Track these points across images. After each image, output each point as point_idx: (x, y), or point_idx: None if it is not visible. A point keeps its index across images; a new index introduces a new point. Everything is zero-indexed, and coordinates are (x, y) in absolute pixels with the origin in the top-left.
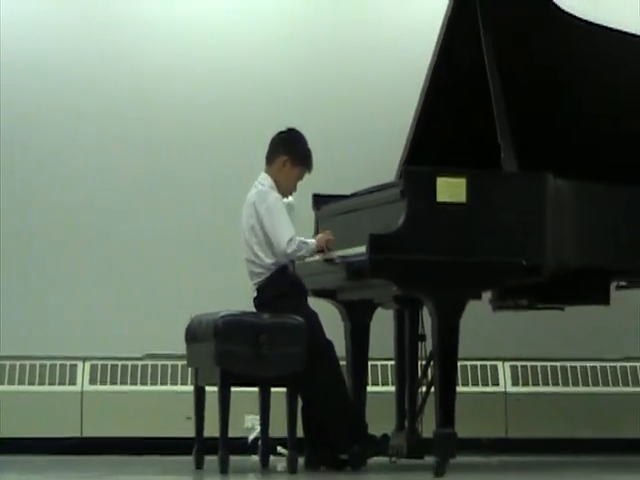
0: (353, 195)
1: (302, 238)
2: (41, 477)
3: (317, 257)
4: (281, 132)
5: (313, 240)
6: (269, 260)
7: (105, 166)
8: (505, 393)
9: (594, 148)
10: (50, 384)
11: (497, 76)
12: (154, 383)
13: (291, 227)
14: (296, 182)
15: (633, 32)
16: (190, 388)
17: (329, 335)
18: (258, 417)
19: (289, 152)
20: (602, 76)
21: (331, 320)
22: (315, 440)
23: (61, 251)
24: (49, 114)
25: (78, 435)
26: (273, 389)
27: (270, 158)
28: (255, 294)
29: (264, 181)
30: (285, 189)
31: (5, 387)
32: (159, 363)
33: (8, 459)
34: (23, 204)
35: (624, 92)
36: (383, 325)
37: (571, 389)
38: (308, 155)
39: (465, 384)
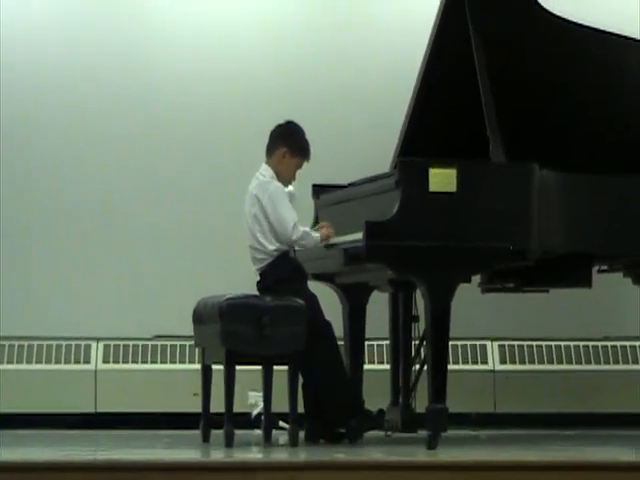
0: (350, 185)
1: (307, 229)
2: (58, 449)
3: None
4: (279, 125)
5: (317, 234)
6: (271, 247)
7: (114, 154)
8: (493, 371)
9: (577, 141)
10: (66, 363)
11: (485, 73)
12: (163, 362)
13: (294, 213)
14: (295, 171)
15: (616, 32)
16: (197, 366)
17: (328, 316)
18: (261, 394)
19: (288, 144)
20: (585, 72)
21: (330, 302)
22: (315, 415)
23: (76, 239)
24: (52, 108)
25: (92, 411)
26: (275, 367)
27: (270, 150)
28: (258, 278)
29: (265, 172)
30: (285, 179)
31: (24, 365)
32: (168, 343)
33: (27, 433)
34: (40, 188)
35: (607, 87)
36: (379, 307)
37: (555, 367)
38: (306, 146)
39: (456, 362)
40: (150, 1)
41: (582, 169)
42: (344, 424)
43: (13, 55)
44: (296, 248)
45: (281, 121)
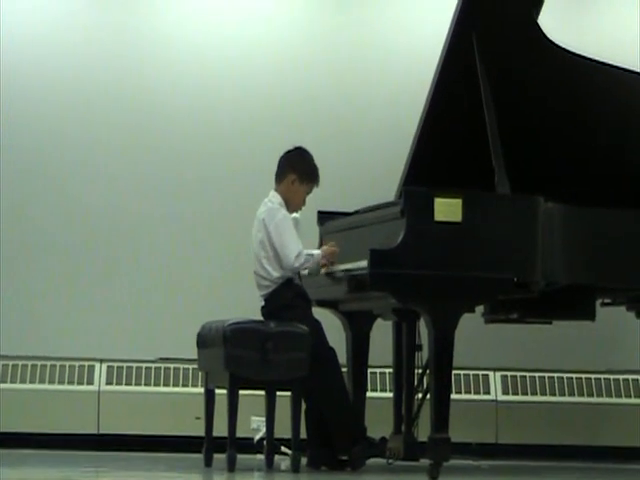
0: (355, 212)
1: (308, 251)
2: (60, 470)
3: (322, 271)
4: (288, 151)
5: (318, 251)
6: (276, 274)
7: (121, 172)
8: (496, 401)
9: (582, 174)
10: (69, 383)
11: (491, 104)
12: (166, 385)
13: (299, 243)
14: (305, 197)
15: (622, 65)
16: (200, 390)
17: (332, 343)
18: (264, 418)
19: (297, 171)
20: (591, 107)
21: (334, 329)
22: (317, 441)
23: (81, 260)
24: (56, 116)
25: (95, 432)
26: (278, 392)
27: (279, 177)
28: (262, 304)
29: (274, 199)
30: (294, 205)
31: (27, 385)
32: (171, 366)
33: (29, 453)
34: (43, 206)
35: (612, 122)
36: (382, 335)
37: (558, 398)
38: (315, 171)
39: (458, 392)
40: (158, 5)
41: (587, 202)
42: (346, 451)
43: (15, 56)
44: (301, 273)
45: (289, 145)
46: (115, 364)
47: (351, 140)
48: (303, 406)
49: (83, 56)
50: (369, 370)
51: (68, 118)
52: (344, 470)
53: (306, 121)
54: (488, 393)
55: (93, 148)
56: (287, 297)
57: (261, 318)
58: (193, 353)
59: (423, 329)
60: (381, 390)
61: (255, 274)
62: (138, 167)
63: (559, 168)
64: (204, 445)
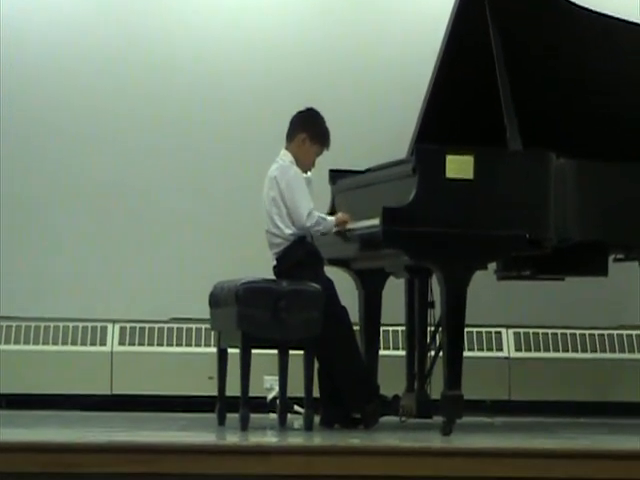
0: (367, 171)
1: (322, 215)
2: (73, 431)
3: (333, 230)
4: (300, 111)
5: (332, 218)
6: (288, 231)
7: (131, 136)
8: (508, 358)
9: (594, 129)
10: (82, 344)
11: (502, 61)
12: (179, 345)
13: (310, 201)
14: (314, 158)
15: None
16: (213, 350)
17: (344, 302)
18: (277, 378)
19: (308, 130)
20: (602, 61)
21: (346, 288)
22: (330, 400)
23: (93, 222)
24: (68, 86)
25: (108, 392)
26: (291, 351)
27: (290, 136)
28: (274, 263)
29: (285, 157)
30: (304, 165)
31: (40, 347)
32: (184, 326)
33: (42, 414)
34: (54, 164)
35: (626, 77)
36: (394, 293)
37: (570, 355)
38: (326, 133)
39: (471, 349)
40: None
41: (599, 157)
42: (359, 409)
43: (17, 24)
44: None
45: (301, 108)
46: (128, 325)
47: (363, 98)
48: (316, 365)
49: (87, 24)
50: (381, 328)
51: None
52: (357, 428)
53: (318, 79)
54: (501, 350)
55: (101, 103)
56: (299, 255)
57: (273, 277)
58: (206, 313)
59: (435, 286)
60: (394, 348)
61: (267, 232)
62: (148, 127)
63: (571, 124)
64: (217, 404)
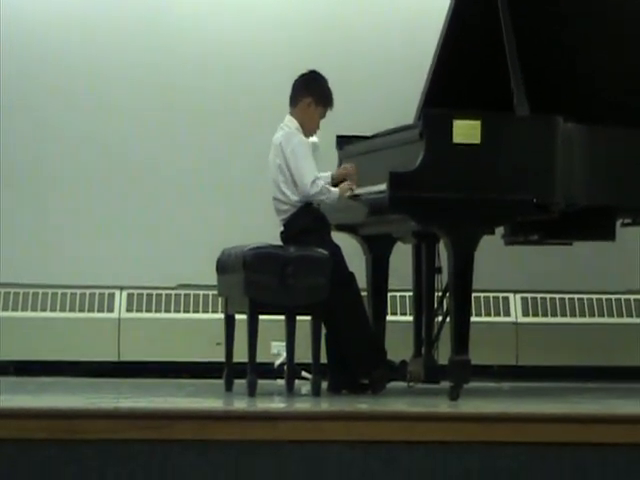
0: (374, 136)
1: (326, 182)
2: (80, 397)
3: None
4: (302, 74)
5: (336, 190)
6: (295, 197)
7: (137, 97)
8: (516, 323)
9: (601, 93)
10: (90, 311)
11: (510, 25)
12: (186, 311)
13: (314, 169)
14: (319, 121)
15: None
16: (220, 316)
17: (351, 267)
18: (284, 344)
19: (312, 93)
20: (610, 25)
21: (353, 253)
22: (337, 365)
23: (100, 188)
24: (75, 47)
25: (115, 359)
26: (298, 317)
27: (294, 100)
28: (281, 229)
29: (290, 123)
30: (310, 129)
31: (48, 313)
32: (191, 292)
33: (50, 380)
34: (62, 132)
35: (632, 40)
36: (402, 258)
37: (577, 320)
38: (329, 94)
39: (478, 314)
40: None
41: (606, 122)
42: (367, 374)
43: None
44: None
45: (304, 71)
46: (135, 291)
47: (370, 62)
48: (323, 331)
49: None
50: (389, 294)
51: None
52: (364, 394)
53: (324, 44)
54: (508, 315)
55: (108, 78)
56: (306, 221)
57: (280, 244)
58: (213, 279)
59: (443, 252)
60: (401, 314)
61: (274, 199)
62: (156, 93)
63: (578, 88)
64: (224, 370)
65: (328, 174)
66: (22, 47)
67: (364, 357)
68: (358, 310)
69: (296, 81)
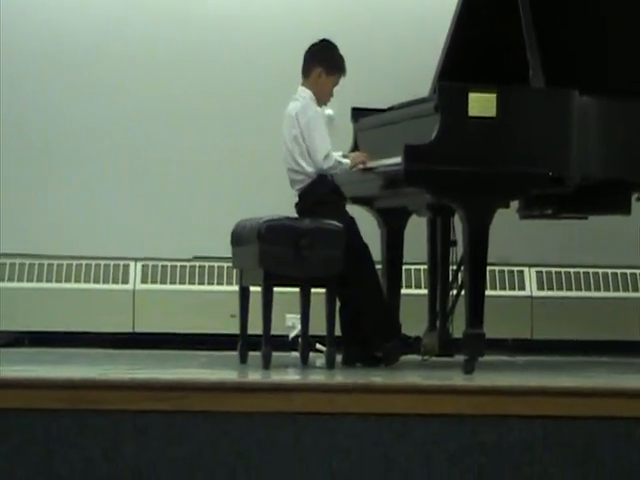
0: (390, 109)
1: (339, 156)
2: (95, 368)
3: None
4: (313, 44)
5: (347, 160)
6: (310, 169)
7: (153, 74)
8: (531, 297)
9: (617, 67)
10: (105, 282)
11: None
12: (201, 283)
13: (328, 143)
14: (332, 89)
15: None
16: (235, 288)
17: (366, 240)
18: (299, 316)
19: (323, 63)
20: None
21: (368, 226)
22: (352, 339)
23: (116, 161)
24: (84, 24)
25: (130, 330)
26: (313, 290)
27: (306, 71)
28: (296, 200)
29: (304, 94)
30: (323, 99)
31: (63, 285)
32: (206, 264)
33: (65, 352)
34: (81, 104)
35: None
36: (417, 231)
37: (593, 293)
38: (341, 62)
39: (493, 288)
40: None
41: (622, 95)
42: (381, 347)
43: None
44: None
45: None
46: (150, 263)
47: (386, 35)
48: (338, 303)
49: None
50: (404, 267)
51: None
52: (379, 367)
53: (339, 16)
54: (523, 289)
55: (118, 39)
56: (321, 193)
57: (295, 215)
58: (228, 251)
59: (458, 225)
60: (416, 287)
61: (289, 170)
62: (166, 67)
63: (594, 62)
64: (239, 343)
65: (347, 162)
66: (26, 20)
67: (378, 329)
68: (372, 282)
69: (307, 52)
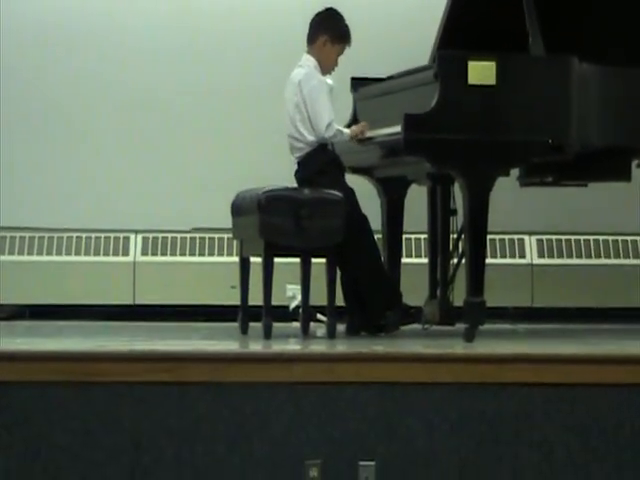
0: (389, 78)
1: (340, 127)
2: (95, 340)
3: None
4: (319, 13)
5: (347, 131)
6: (310, 137)
7: (152, 49)
8: (531, 265)
9: (617, 33)
10: (105, 255)
11: None
12: (201, 254)
13: (331, 112)
14: (337, 59)
15: None
16: (235, 259)
17: (366, 210)
18: (299, 286)
19: (328, 31)
20: None
21: (368, 196)
22: (355, 308)
23: (115, 132)
24: None
25: (130, 302)
26: (313, 260)
27: (311, 39)
28: (296, 167)
29: (308, 62)
30: (327, 67)
31: (63, 257)
32: (206, 236)
33: (66, 324)
34: (79, 76)
35: None
36: (417, 200)
37: (593, 261)
38: (346, 31)
39: (494, 256)
40: None
41: (622, 62)
42: (382, 316)
43: None
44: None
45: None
46: (150, 235)
47: (384, 3)
48: (338, 273)
49: None
50: (404, 236)
51: None
52: (381, 336)
53: None
54: (523, 257)
55: (124, 11)
56: (321, 162)
57: (295, 186)
58: (227, 223)
59: (458, 194)
60: (416, 256)
61: (289, 137)
62: (165, 39)
63: (594, 28)
64: (239, 313)
65: (347, 131)
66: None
67: (379, 298)
68: (371, 252)
69: (312, 20)
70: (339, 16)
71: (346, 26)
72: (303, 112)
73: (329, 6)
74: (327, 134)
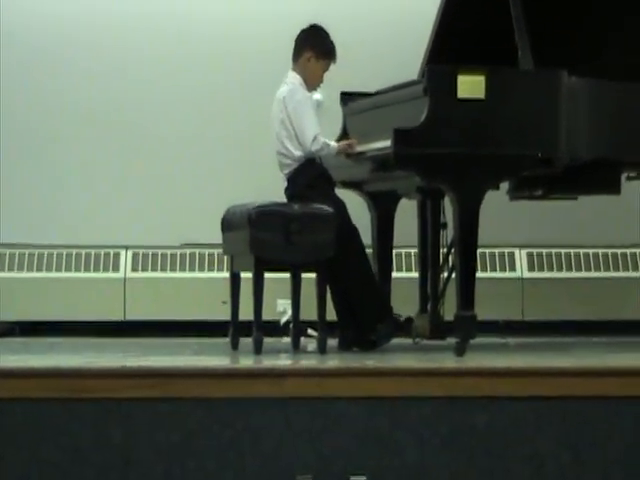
0: (378, 92)
1: (326, 140)
2: (87, 356)
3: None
4: (303, 30)
5: (335, 144)
6: (298, 153)
7: (144, 60)
8: (521, 278)
9: (606, 47)
10: (95, 271)
11: None
12: (192, 270)
13: (316, 126)
14: (322, 75)
15: None
16: (225, 274)
17: (356, 224)
18: (290, 301)
19: (314, 48)
20: None
21: (358, 210)
22: (347, 323)
23: (105, 147)
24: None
25: (121, 319)
26: (303, 275)
27: (296, 56)
28: (285, 184)
29: (293, 79)
30: (313, 83)
31: (54, 274)
32: (196, 251)
33: (56, 340)
34: (67, 94)
35: None
36: (407, 215)
37: (583, 274)
38: (331, 47)
39: (484, 270)
40: None
41: (611, 76)
42: (373, 330)
43: None
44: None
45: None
46: (141, 251)
47: (374, 18)
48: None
49: None
50: (394, 250)
51: None
52: (372, 350)
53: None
54: (514, 270)
55: (115, 17)
56: (310, 176)
57: (285, 201)
58: (218, 238)
59: (448, 207)
60: (406, 270)
61: (277, 154)
62: (155, 49)
63: (583, 42)
64: (230, 329)
65: (335, 145)
66: (21, 17)
67: (371, 309)
68: (362, 265)
69: (297, 37)
70: (324, 32)
71: (331, 42)
72: (289, 128)
73: (313, 23)
74: (314, 147)
